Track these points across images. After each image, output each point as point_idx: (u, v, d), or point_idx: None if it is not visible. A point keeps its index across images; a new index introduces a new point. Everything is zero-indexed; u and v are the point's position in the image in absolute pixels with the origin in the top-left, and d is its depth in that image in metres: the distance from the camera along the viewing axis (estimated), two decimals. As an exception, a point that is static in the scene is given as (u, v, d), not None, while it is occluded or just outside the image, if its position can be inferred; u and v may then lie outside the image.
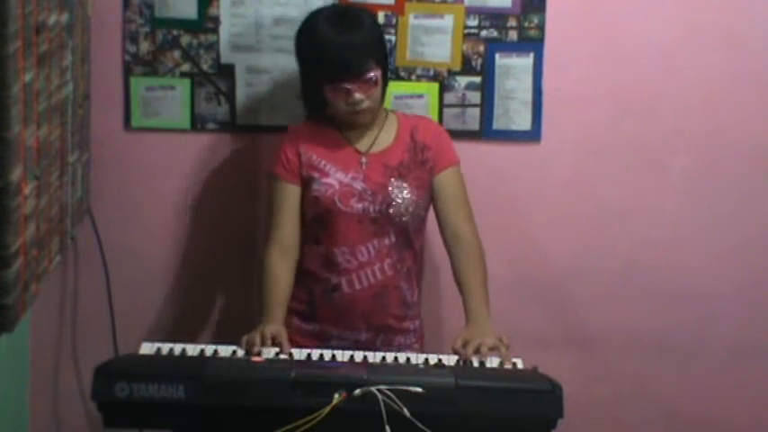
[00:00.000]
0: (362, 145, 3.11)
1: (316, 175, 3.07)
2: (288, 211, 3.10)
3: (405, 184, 3.07)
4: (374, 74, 2.99)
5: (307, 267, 3.13)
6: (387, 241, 3.08)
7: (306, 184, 3.09)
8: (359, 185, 3.06)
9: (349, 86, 2.98)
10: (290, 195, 3.10)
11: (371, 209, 3.05)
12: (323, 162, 3.09)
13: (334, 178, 3.07)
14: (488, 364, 2.79)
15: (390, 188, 3.06)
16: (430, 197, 3.14)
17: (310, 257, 3.12)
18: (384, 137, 3.13)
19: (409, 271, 3.15)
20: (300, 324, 3.11)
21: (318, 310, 3.12)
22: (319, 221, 3.08)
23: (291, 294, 3.10)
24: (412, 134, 3.13)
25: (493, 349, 2.83)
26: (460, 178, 3.16)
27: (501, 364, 2.79)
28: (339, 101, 3.01)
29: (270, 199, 3.16)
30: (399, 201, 3.06)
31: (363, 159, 3.09)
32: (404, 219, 3.08)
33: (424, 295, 3.34)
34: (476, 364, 2.79)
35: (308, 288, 3.13)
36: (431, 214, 3.17)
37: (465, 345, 2.85)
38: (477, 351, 2.82)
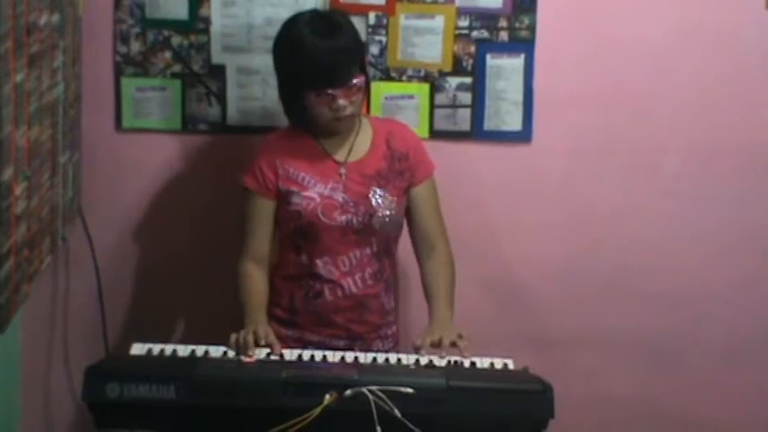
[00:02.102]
0: (340, 155, 3.08)
1: (294, 188, 3.05)
2: (261, 224, 3.09)
3: (386, 193, 3.06)
4: (359, 80, 2.97)
5: (287, 274, 3.12)
6: (368, 251, 3.07)
7: (283, 197, 3.06)
8: (339, 196, 3.04)
9: (334, 93, 2.95)
10: (264, 209, 3.08)
11: (355, 220, 3.03)
12: (301, 175, 3.06)
13: (314, 191, 3.04)
14: (479, 365, 2.79)
15: (372, 198, 3.05)
16: (406, 204, 3.13)
17: (291, 266, 3.11)
18: (360, 144, 3.10)
19: (388, 279, 3.15)
20: (280, 329, 3.07)
21: (299, 315, 3.10)
22: (301, 233, 3.06)
23: (272, 301, 3.11)
24: (387, 142, 3.12)
25: (453, 346, 2.84)
26: (436, 188, 3.16)
27: (492, 364, 2.79)
28: (323, 108, 2.97)
29: (243, 210, 3.12)
30: (382, 209, 3.05)
31: (342, 170, 3.07)
32: (387, 228, 3.07)
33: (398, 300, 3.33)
34: (466, 364, 2.79)
35: (289, 294, 3.12)
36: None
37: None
38: (438, 344, 2.84)
